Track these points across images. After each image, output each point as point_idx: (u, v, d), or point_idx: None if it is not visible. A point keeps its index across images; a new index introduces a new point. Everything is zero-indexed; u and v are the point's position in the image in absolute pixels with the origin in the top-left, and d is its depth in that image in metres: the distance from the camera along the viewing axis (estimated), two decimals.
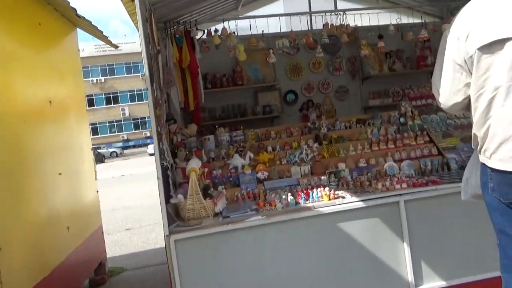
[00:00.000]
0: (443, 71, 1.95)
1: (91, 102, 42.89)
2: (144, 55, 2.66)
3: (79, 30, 5.05)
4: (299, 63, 6.13)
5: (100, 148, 37.57)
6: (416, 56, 6.36)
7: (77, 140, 4.79)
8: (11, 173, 3.02)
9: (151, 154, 29.30)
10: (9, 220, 2.89)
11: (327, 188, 3.25)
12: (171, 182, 3.02)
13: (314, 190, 3.26)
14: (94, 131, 42.64)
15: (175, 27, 4.30)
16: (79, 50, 5.14)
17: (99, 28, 4.86)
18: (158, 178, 2.79)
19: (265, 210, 3.06)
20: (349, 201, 3.07)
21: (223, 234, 2.89)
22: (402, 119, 4.34)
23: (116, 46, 5.14)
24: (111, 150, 39.87)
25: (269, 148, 4.03)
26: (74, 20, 4.79)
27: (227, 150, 3.97)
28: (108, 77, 43.97)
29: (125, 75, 44.12)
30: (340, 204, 3.04)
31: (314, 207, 3.02)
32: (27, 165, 3.36)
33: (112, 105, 44.57)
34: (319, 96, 6.20)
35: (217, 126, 4.16)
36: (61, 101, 4.32)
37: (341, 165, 3.81)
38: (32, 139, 3.50)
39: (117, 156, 39.12)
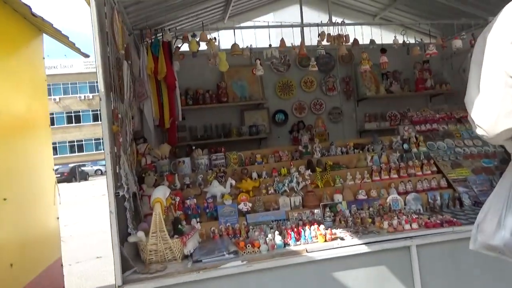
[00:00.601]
0: (486, 87, 1.43)
1: (78, 119, 41.99)
2: (98, 56, 2.12)
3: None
4: (289, 81, 5.66)
5: (84, 165, 36.45)
6: (415, 78, 5.95)
7: (34, 160, 4.15)
8: None
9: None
10: None
11: (322, 226, 2.69)
12: (129, 215, 2.42)
13: (307, 228, 2.69)
14: (80, 148, 41.56)
15: (143, 35, 3.75)
16: (44, 58, 4.56)
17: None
18: (110, 212, 2.20)
19: (247, 253, 2.47)
20: (350, 243, 2.50)
21: (192, 284, 2.29)
22: (405, 145, 3.85)
23: (86, 55, 4.59)
24: (95, 167, 38.70)
25: (254, 175, 3.47)
26: (38, 24, 4.25)
27: (204, 176, 3.40)
28: (96, 93, 43.20)
29: None
30: (338, 247, 2.47)
31: (307, 251, 2.44)
32: None
33: (99, 122, 43.59)
34: (311, 117, 5.71)
35: (193, 147, 3.59)
36: (13, 114, 3.71)
37: (338, 197, 3.26)
38: None
39: (102, 174, 37.90)
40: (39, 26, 4.32)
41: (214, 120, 5.37)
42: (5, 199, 3.36)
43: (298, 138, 5.44)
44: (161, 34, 4.05)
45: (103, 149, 2.14)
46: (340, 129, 5.80)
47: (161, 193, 2.54)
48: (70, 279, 5.94)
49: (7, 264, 3.34)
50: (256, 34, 4.97)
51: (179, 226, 2.73)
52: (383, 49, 4.18)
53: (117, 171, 2.29)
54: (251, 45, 4.59)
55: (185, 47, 5.30)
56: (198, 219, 3.04)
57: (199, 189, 3.26)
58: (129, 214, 2.40)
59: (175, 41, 4.10)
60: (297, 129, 5.47)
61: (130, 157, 2.97)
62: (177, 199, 3.05)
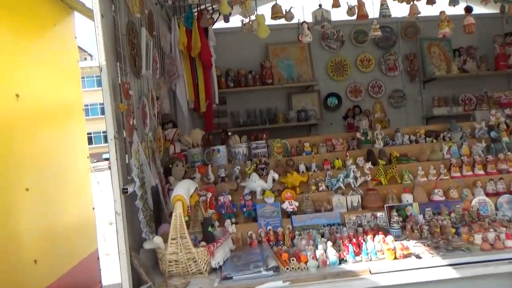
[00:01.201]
0: None
1: None
2: (96, 10, 1.64)
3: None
4: (343, 59, 4.96)
5: None
6: (494, 55, 5.00)
7: (65, 149, 3.86)
8: None
9: None
10: None
11: (389, 238, 2.06)
12: (143, 216, 1.95)
13: (369, 238, 2.08)
14: None
15: (175, 7, 3.26)
16: (76, 38, 4.25)
17: None
18: (116, 214, 1.74)
19: (291, 270, 1.92)
20: (430, 264, 1.86)
21: None
22: (493, 133, 3.06)
23: None
24: None
25: (302, 167, 2.89)
26: (70, 2, 3.92)
27: (242, 168, 2.87)
28: None
29: None
30: (414, 269, 1.84)
31: (370, 272, 1.84)
32: None
33: None
34: (368, 101, 4.99)
35: (230, 134, 3.07)
36: (40, 98, 3.40)
37: (407, 197, 2.60)
38: None
39: None
40: (69, 3, 4.00)
41: (258, 105, 4.83)
42: (27, 189, 3.06)
43: (353, 125, 4.77)
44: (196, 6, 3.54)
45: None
46: (403, 115, 5.04)
47: (183, 189, 2.04)
48: (113, 270, 5.73)
49: (30, 261, 3.06)
50: (304, 10, 4.32)
51: (210, 228, 2.23)
52: (469, 7, 3.34)
53: (127, 161, 1.82)
54: (297, 19, 3.95)
55: (223, 25, 4.79)
56: (233, 220, 2.53)
57: (235, 183, 2.75)
58: (143, 215, 1.92)
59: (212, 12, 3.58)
60: (352, 114, 4.79)
61: (154, 145, 2.52)
62: (209, 195, 2.56)
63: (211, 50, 3.58)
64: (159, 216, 2.45)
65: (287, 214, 2.57)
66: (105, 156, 30.51)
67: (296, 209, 2.57)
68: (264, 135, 3.09)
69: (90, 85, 35.07)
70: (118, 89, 1.81)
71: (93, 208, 4.42)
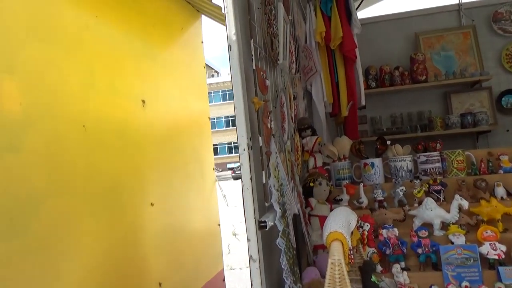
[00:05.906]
0: None
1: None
2: None
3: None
4: None
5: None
6: None
7: (191, 159, 3.60)
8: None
9: (235, 178, 22.98)
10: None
11: None
12: (286, 261, 1.33)
13: None
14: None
15: None
16: (202, 42, 4.03)
17: None
18: (251, 259, 1.17)
19: None
20: None
21: None
22: None
23: None
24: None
25: (500, 191, 1.97)
26: (197, 4, 3.70)
27: (408, 188, 2.09)
28: (227, 101, 42.01)
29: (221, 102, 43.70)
30: None
31: None
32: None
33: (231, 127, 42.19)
34: None
35: (388, 142, 2.32)
36: (164, 104, 3.18)
37: None
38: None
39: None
40: (196, 4, 3.78)
41: (405, 108, 3.95)
42: (152, 204, 2.81)
43: None
44: None
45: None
46: None
47: (342, 221, 1.38)
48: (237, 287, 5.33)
49: (155, 284, 2.77)
50: None
51: (372, 278, 1.53)
52: None
53: (263, 181, 1.25)
54: None
55: (360, 15, 4.07)
56: (402, 265, 1.78)
57: (400, 210, 1.98)
58: (286, 259, 1.32)
59: None
60: None
61: (292, 156, 1.94)
62: (367, 226, 1.86)
63: (355, 39, 2.89)
64: (298, 254, 1.84)
65: (488, 264, 1.71)
66: (229, 165, 31.43)
67: (503, 257, 1.69)
68: (438, 144, 2.25)
69: (216, 100, 36.79)
70: (251, 77, 1.26)
71: (219, 225, 4.09)
